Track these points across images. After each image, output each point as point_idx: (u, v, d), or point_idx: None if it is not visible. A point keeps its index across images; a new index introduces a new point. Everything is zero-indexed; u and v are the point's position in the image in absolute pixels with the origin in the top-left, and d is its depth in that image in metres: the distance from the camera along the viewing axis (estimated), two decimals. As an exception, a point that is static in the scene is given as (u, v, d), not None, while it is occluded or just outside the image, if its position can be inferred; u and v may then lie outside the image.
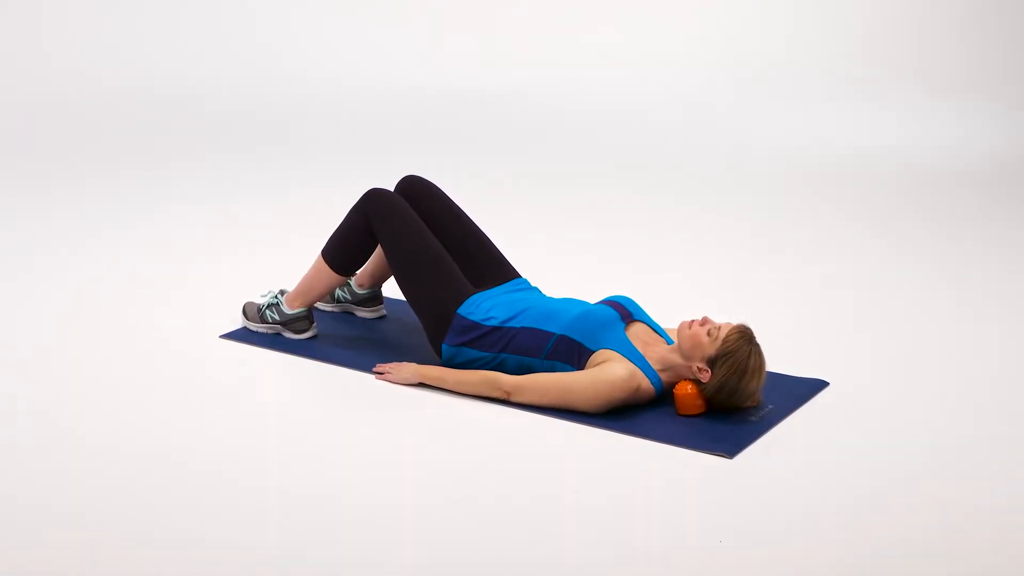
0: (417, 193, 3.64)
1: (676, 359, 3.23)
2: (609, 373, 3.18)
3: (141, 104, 6.18)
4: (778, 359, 3.47)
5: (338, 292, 3.92)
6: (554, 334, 3.30)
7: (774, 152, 5.92)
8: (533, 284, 3.73)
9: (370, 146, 5.99)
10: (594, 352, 3.24)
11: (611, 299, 3.42)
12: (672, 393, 3.25)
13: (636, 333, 3.32)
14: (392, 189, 3.70)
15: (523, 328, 3.33)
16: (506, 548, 2.62)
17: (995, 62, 6.43)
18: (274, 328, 3.71)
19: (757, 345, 3.18)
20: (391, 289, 4.04)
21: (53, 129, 5.83)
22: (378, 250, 3.75)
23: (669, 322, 3.59)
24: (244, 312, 3.77)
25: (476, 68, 6.60)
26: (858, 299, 4.14)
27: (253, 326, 3.74)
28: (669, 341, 3.36)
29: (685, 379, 3.24)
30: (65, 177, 5.30)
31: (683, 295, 4.12)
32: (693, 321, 3.22)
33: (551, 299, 3.50)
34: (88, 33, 6.39)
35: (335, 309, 3.95)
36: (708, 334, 3.17)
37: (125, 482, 2.84)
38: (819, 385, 3.43)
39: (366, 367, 3.49)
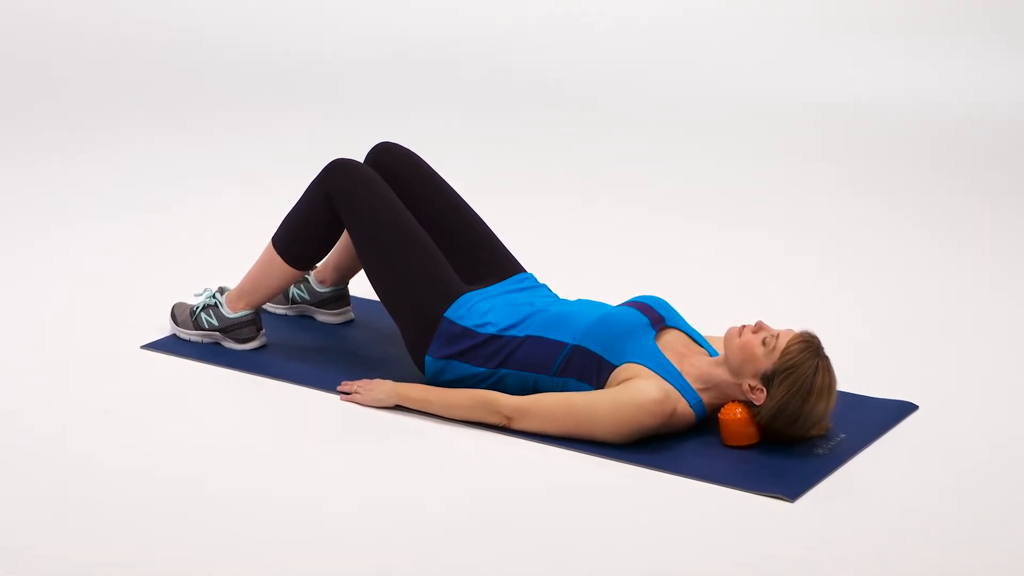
0: (393, 165, 3.64)
1: (722, 375, 3.21)
2: (636, 393, 3.15)
3: (71, 61, 6.36)
4: (852, 376, 3.44)
5: (293, 290, 3.91)
6: (567, 344, 3.27)
7: (819, 120, 6.00)
8: (540, 281, 3.69)
9: (339, 108, 6.06)
10: (617, 367, 3.22)
11: (638, 300, 3.39)
12: (716, 419, 3.23)
13: (670, 342, 3.30)
14: (362, 160, 3.68)
15: (528, 337, 3.31)
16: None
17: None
18: (211, 336, 3.69)
19: (826, 358, 3.14)
20: (361, 286, 4.01)
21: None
22: (344, 238, 3.74)
23: (712, 328, 3.55)
24: (173, 316, 3.75)
25: (460, 19, 6.75)
26: (942, 298, 4.17)
27: (184, 333, 3.71)
28: (712, 352, 3.32)
29: (733, 401, 3.21)
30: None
31: (727, 294, 4.15)
32: (744, 327, 3.19)
33: (563, 300, 3.49)
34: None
35: (290, 312, 3.94)
36: (763, 344, 3.14)
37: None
38: (905, 409, 3.40)
39: (329, 385, 3.48)
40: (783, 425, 3.14)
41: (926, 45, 6.47)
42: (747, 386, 3.15)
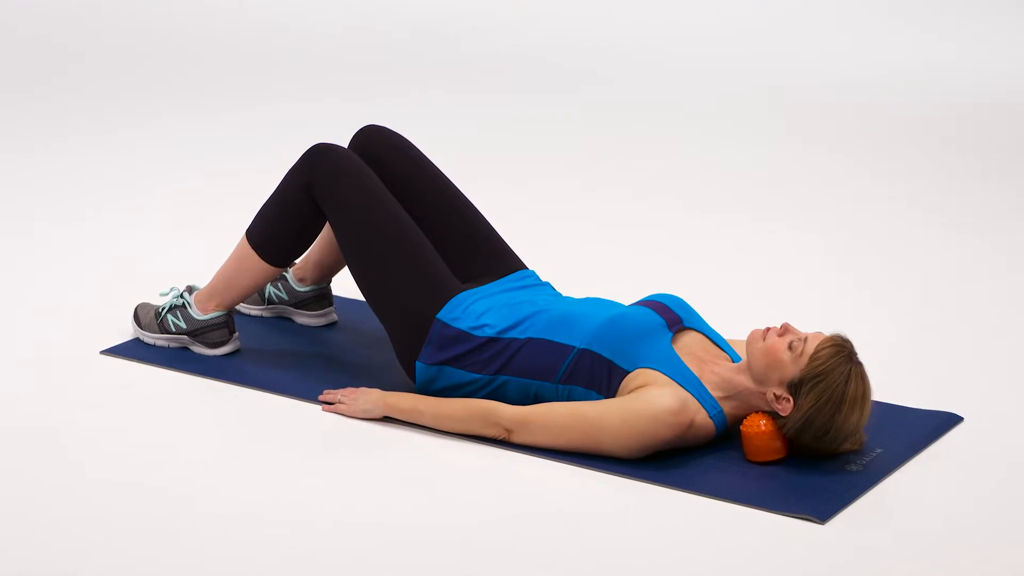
0: (380, 150, 3.64)
1: (744, 383, 3.18)
2: (650, 402, 3.12)
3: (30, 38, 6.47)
4: (887, 384, 3.42)
5: (270, 289, 3.89)
6: (573, 348, 3.25)
7: (831, 110, 6.06)
8: (543, 279, 3.66)
9: (321, 87, 6.14)
10: (629, 373, 3.20)
11: (652, 299, 3.37)
12: (739, 431, 3.21)
13: (688, 346, 3.28)
14: (346, 145, 3.66)
15: (530, 340, 3.29)
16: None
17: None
18: (179, 340, 3.67)
19: (859, 364, 3.11)
20: (344, 285, 3.99)
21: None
22: (326, 231, 3.72)
23: (734, 331, 3.53)
24: (136, 317, 3.73)
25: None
26: (978, 297, 4.16)
27: (149, 337, 3.69)
28: (735, 357, 3.30)
29: (757, 411, 3.18)
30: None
31: (749, 293, 4.18)
32: (768, 329, 3.16)
33: (568, 299, 3.47)
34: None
35: (266, 313, 3.92)
36: (790, 348, 3.11)
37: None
38: (948, 421, 3.38)
39: (310, 394, 3.46)
40: (812, 438, 3.10)
41: (949, 24, 6.57)
42: (772, 395, 3.11)
